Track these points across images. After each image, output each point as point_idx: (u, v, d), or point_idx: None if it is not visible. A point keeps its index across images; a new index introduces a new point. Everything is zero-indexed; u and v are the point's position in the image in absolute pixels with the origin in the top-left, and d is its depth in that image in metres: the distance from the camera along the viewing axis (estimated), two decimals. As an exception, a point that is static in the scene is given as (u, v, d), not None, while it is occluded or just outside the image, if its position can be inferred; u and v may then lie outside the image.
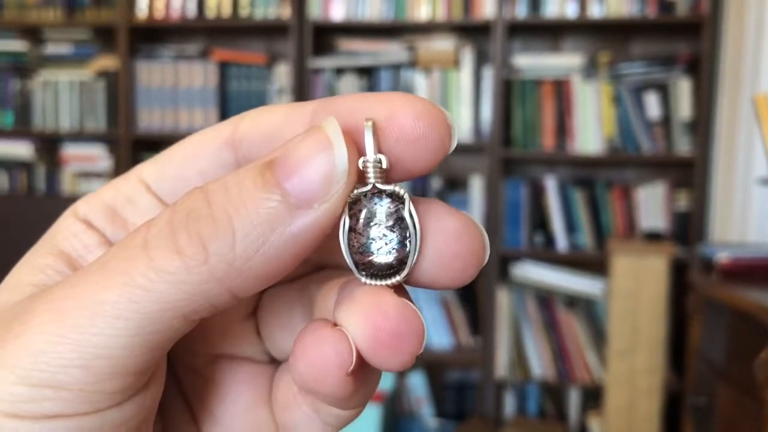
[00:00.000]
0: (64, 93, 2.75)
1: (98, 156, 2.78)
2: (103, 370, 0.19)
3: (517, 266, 2.55)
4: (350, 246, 0.21)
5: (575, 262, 2.52)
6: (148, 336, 0.20)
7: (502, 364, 2.54)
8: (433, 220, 0.21)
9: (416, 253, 0.21)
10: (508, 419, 2.59)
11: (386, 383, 2.61)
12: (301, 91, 2.61)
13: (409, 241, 0.21)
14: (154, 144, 2.79)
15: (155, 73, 2.67)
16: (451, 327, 2.61)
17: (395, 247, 0.21)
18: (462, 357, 2.60)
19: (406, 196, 0.21)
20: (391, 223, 0.21)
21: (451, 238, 0.21)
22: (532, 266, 2.53)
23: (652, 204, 2.44)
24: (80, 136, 2.77)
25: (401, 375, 2.72)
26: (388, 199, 0.21)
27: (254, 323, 0.26)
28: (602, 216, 2.48)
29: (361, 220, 0.21)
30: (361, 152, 0.21)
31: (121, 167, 2.71)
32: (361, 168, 0.21)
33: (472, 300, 2.64)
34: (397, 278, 0.21)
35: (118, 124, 2.71)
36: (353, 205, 0.21)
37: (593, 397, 2.51)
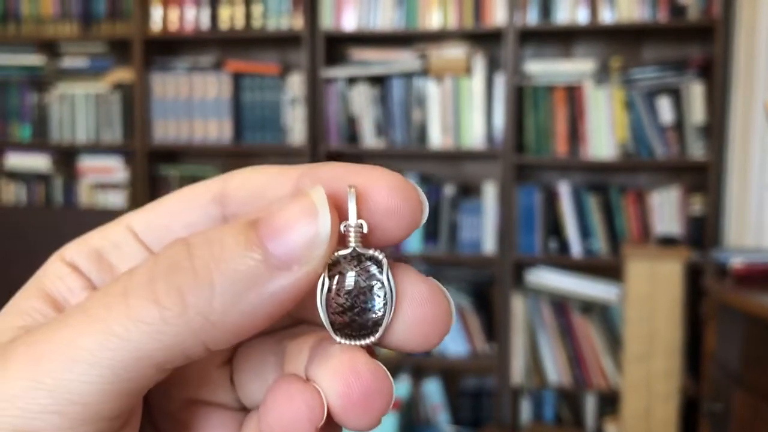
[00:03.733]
0: (80, 106, 2.78)
1: (115, 168, 2.81)
2: (77, 416, 0.20)
3: (531, 272, 2.55)
4: (327, 306, 0.22)
5: (590, 267, 2.52)
6: (123, 383, 0.20)
7: (517, 370, 2.54)
8: (407, 285, 0.22)
9: (390, 316, 0.22)
10: (525, 426, 2.58)
11: (402, 391, 2.61)
12: (315, 101, 2.62)
13: (385, 304, 0.22)
14: (169, 155, 2.82)
15: (170, 85, 2.70)
16: (467, 334, 2.61)
17: (371, 309, 0.22)
18: (478, 364, 2.60)
19: (385, 261, 0.22)
20: (368, 285, 0.22)
21: (419, 304, 0.22)
22: (546, 272, 2.53)
23: (667, 209, 2.43)
24: (97, 148, 2.80)
25: (417, 382, 2.72)
26: (368, 263, 0.22)
27: (229, 371, 0.27)
28: (616, 221, 2.48)
29: (340, 282, 0.22)
30: (343, 217, 0.22)
31: (137, 178, 2.74)
32: (342, 232, 0.22)
33: (487, 307, 2.64)
34: (371, 339, 0.22)
35: (134, 136, 2.74)
36: (332, 267, 0.22)
37: (610, 402, 2.51)
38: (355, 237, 0.22)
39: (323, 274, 0.22)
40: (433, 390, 2.71)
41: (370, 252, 0.22)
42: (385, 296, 0.22)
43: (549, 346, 2.52)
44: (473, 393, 2.69)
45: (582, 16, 2.43)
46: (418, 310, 0.22)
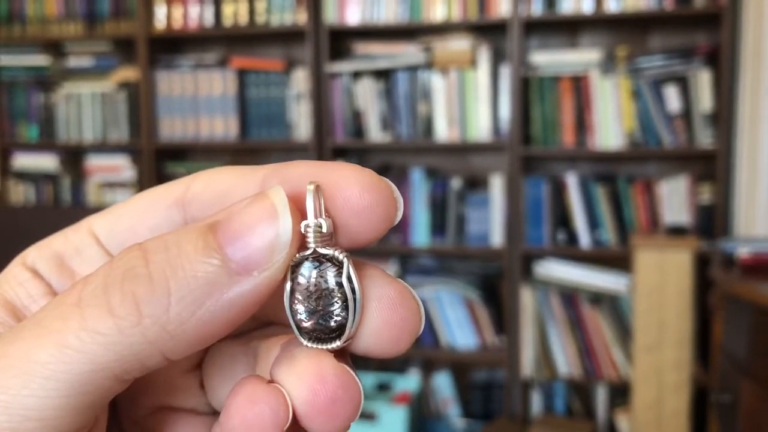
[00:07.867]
0: (86, 105, 2.79)
1: (122, 166, 2.82)
2: None
3: (540, 264, 2.54)
4: (293, 309, 0.21)
5: (599, 258, 2.51)
6: (80, 397, 0.19)
7: (527, 362, 2.53)
8: (374, 287, 0.21)
9: (356, 319, 0.21)
10: (536, 418, 2.58)
11: (413, 385, 2.61)
12: (320, 96, 2.62)
13: (347, 307, 0.21)
14: (176, 153, 2.83)
15: (175, 83, 2.70)
16: (476, 327, 2.60)
17: (336, 311, 0.21)
18: (487, 357, 2.59)
19: (345, 262, 0.21)
20: (329, 288, 0.21)
21: (387, 307, 0.21)
22: (555, 264, 2.52)
23: (675, 198, 2.41)
24: (104, 147, 2.81)
25: (427, 376, 2.72)
26: (329, 264, 0.21)
27: (198, 375, 0.26)
28: (625, 211, 2.46)
29: (303, 284, 0.21)
30: (305, 217, 0.21)
31: (144, 177, 2.75)
32: (302, 232, 0.21)
33: (496, 299, 2.63)
34: (338, 343, 0.21)
35: (140, 134, 2.74)
36: (296, 269, 0.21)
37: (620, 393, 2.50)
38: (314, 237, 0.21)
39: (287, 277, 0.21)
40: (443, 383, 2.71)
41: (331, 252, 0.21)
42: (347, 299, 0.21)
43: (559, 338, 2.51)
44: (483, 386, 2.69)
45: (587, 5, 2.41)
46: (387, 313, 0.21)
